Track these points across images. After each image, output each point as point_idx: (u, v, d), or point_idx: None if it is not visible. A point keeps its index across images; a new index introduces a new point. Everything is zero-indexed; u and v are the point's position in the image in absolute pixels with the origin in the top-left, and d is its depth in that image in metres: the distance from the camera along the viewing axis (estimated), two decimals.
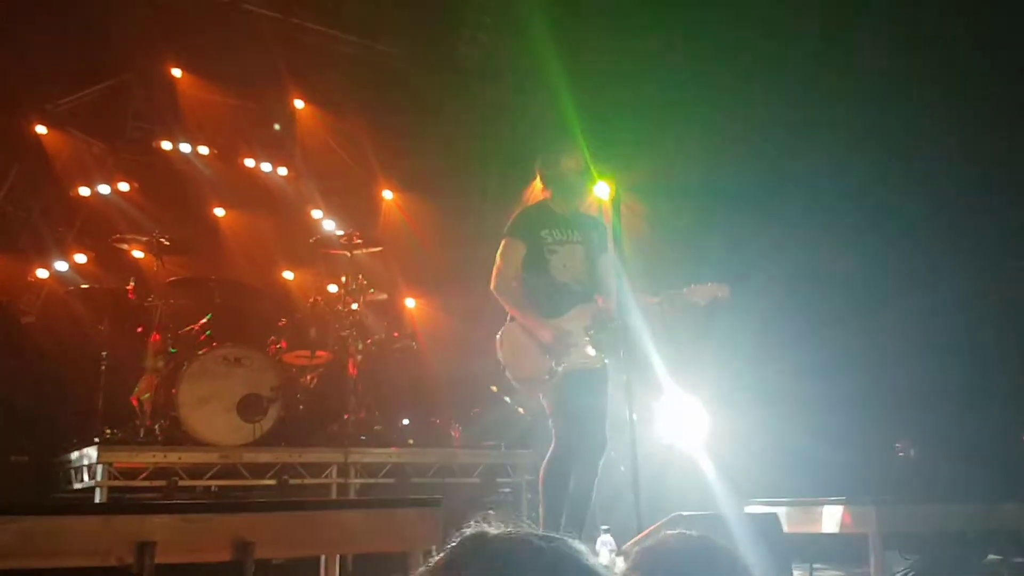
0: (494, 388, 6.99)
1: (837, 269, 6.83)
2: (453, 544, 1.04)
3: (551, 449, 4.25)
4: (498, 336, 4.36)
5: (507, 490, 6.48)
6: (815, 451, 5.82)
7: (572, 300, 4.32)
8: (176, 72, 8.45)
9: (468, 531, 1.07)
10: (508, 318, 4.38)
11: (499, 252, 4.41)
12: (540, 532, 1.04)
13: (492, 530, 1.06)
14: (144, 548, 3.27)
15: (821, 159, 6.87)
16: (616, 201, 5.22)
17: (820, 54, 6.84)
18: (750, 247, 6.91)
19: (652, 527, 3.59)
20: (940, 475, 5.90)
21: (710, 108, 7.04)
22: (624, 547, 4.00)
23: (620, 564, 4.05)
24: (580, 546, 1.05)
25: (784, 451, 5.88)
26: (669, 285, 4.54)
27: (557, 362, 4.19)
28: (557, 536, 1.04)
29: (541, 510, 4.22)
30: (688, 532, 1.79)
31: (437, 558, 1.03)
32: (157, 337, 5.97)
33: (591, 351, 4.25)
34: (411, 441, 6.62)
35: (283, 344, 6.43)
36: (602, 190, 5.36)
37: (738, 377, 6.37)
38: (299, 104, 9.00)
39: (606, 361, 4.33)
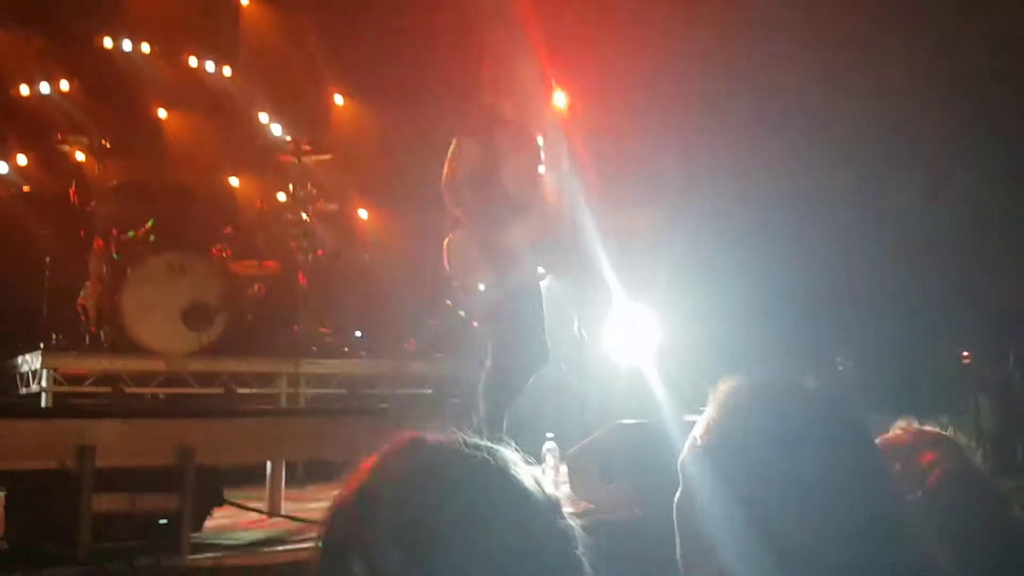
0: (448, 302, 6.98)
1: (789, 174, 6.83)
2: (385, 450, 1.02)
3: (488, 362, 4.25)
4: (445, 243, 4.29)
5: (458, 400, 6.54)
6: (759, 366, 5.92)
7: (519, 211, 4.28)
8: None
9: (401, 436, 1.04)
10: (454, 224, 4.30)
11: (452, 151, 4.29)
12: (473, 439, 1.03)
13: (426, 435, 1.04)
14: (84, 451, 3.28)
15: (791, 69, 6.79)
16: (571, 110, 5.14)
17: None
18: (708, 159, 6.88)
19: (593, 435, 3.67)
20: (875, 388, 6.07)
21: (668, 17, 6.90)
22: (568, 452, 4.09)
23: (564, 470, 4.15)
24: (511, 455, 1.04)
25: (730, 367, 5.98)
26: (622, 199, 4.53)
27: (502, 276, 4.17)
28: (490, 445, 1.03)
29: (480, 421, 4.25)
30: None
31: (368, 459, 1.02)
32: (100, 243, 5.84)
33: (534, 266, 4.24)
34: (363, 353, 6.61)
35: (228, 252, 6.31)
36: (558, 99, 5.27)
37: (688, 292, 6.43)
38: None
39: (548, 277, 4.33)
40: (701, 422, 1.25)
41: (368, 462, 1.01)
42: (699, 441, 1.23)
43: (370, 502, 0.96)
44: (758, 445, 1.18)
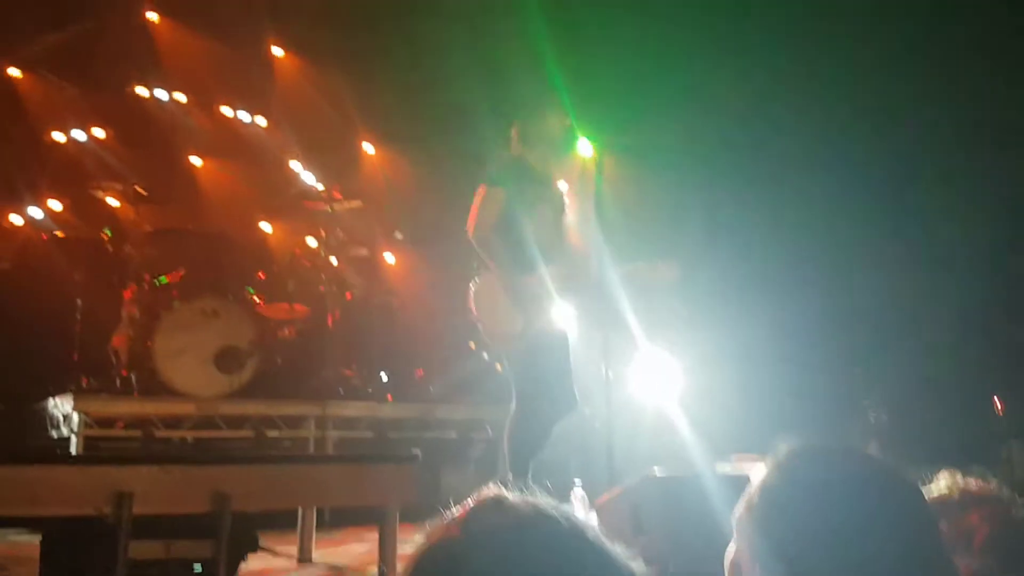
0: (472, 344, 7.02)
1: (818, 230, 6.87)
2: (471, 507, 1.04)
3: (513, 408, 4.27)
4: (472, 288, 4.33)
5: (484, 445, 6.54)
6: (791, 412, 5.90)
7: (544, 259, 4.32)
8: (152, 16, 8.27)
9: (485, 496, 1.06)
10: (477, 268, 4.35)
11: (478, 198, 4.35)
12: (554, 504, 1.05)
13: (508, 495, 1.05)
14: (122, 498, 3.30)
15: (806, 122, 6.87)
16: (599, 161, 5.21)
17: (810, 26, 6.78)
18: (731, 208, 6.92)
19: (622, 486, 3.66)
20: (909, 437, 6.02)
21: (695, 70, 6.99)
22: (595, 502, 4.08)
23: (593, 518, 4.14)
24: (581, 519, 1.06)
25: (760, 412, 5.96)
26: (647, 249, 4.57)
27: (529, 321, 4.21)
28: (561, 505, 1.05)
29: (505, 468, 4.26)
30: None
31: (453, 515, 1.03)
32: (133, 287, 5.93)
33: (560, 312, 4.28)
34: (389, 396, 6.65)
35: (260, 297, 6.40)
36: (584, 149, 5.33)
37: (716, 337, 6.43)
38: (278, 52, 8.84)
39: (574, 322, 4.36)
40: (757, 481, 1.27)
41: (452, 519, 1.01)
42: (755, 500, 1.25)
43: (457, 561, 0.96)
44: (811, 510, 1.20)
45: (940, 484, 1.62)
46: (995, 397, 6.24)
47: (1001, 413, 5.99)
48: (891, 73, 6.62)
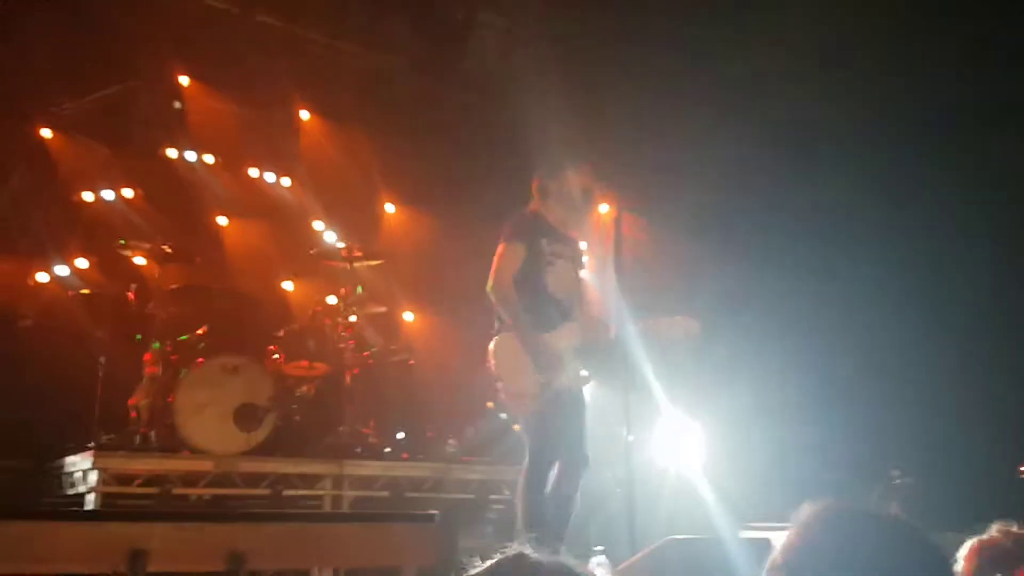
0: (490, 404, 6.98)
1: (839, 292, 6.84)
2: (495, 560, 1.05)
3: (526, 465, 4.24)
4: (491, 346, 4.33)
5: (501, 506, 6.46)
6: (814, 475, 5.81)
7: (563, 316, 4.33)
8: (183, 80, 8.48)
9: (509, 551, 1.08)
10: (497, 326, 4.35)
11: (497, 256, 4.38)
12: (576, 562, 1.06)
13: (531, 553, 1.07)
14: (137, 556, 3.28)
15: (824, 180, 6.90)
16: (618, 219, 5.24)
17: (827, 75, 6.87)
18: (751, 269, 6.93)
19: (646, 550, 3.60)
20: (935, 502, 5.90)
21: (712, 128, 7.07)
22: (618, 568, 4.00)
23: None
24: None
25: (782, 476, 5.87)
26: (664, 308, 4.56)
27: (548, 379, 4.19)
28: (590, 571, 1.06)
29: (519, 525, 4.21)
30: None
31: (477, 570, 1.04)
32: (155, 344, 5.98)
33: (578, 371, 4.27)
34: (405, 455, 6.60)
35: (281, 355, 6.42)
36: (603, 207, 5.37)
37: (736, 400, 6.37)
38: (304, 115, 9.04)
39: (591, 382, 4.35)
40: (782, 543, 1.26)
41: (478, 571, 1.04)
42: (780, 561, 1.25)
43: None
44: (835, 571, 1.18)
45: (992, 531, 1.59)
46: (1021, 467, 6.13)
47: None
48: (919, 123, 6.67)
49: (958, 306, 6.52)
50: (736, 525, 4.06)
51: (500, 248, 4.39)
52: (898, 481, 5.85)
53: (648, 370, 4.72)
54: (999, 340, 6.43)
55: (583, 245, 4.66)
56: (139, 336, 6.11)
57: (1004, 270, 6.47)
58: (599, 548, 4.16)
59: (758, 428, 6.14)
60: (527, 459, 4.28)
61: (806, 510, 1.30)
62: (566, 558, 1.05)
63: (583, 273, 4.66)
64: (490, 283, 4.33)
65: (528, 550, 1.05)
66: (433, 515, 3.93)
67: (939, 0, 6.42)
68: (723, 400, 6.29)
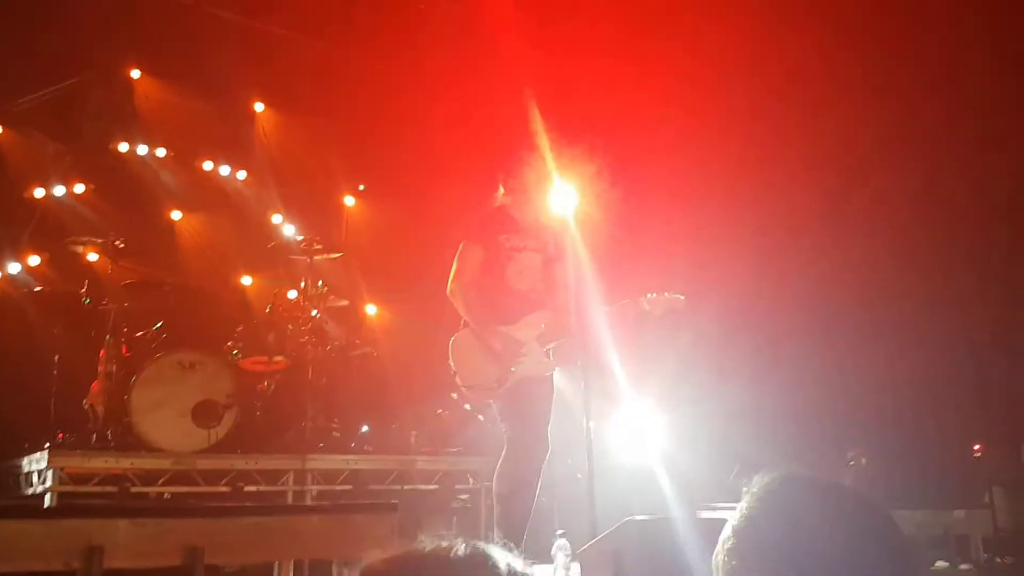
0: (454, 395, 6.97)
1: (797, 282, 6.93)
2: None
3: (504, 454, 4.28)
4: (451, 342, 4.38)
5: (465, 496, 6.47)
6: (771, 460, 5.88)
7: (526, 307, 4.36)
8: (135, 73, 8.35)
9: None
10: (462, 323, 4.40)
11: (457, 255, 4.43)
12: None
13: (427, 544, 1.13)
14: (92, 553, 3.24)
15: (791, 169, 6.96)
16: (578, 208, 5.25)
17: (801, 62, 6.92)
18: (713, 259, 6.97)
19: (605, 532, 3.63)
20: (891, 484, 6.01)
21: (677, 113, 7.10)
22: (579, 551, 4.03)
23: (576, 568, 4.09)
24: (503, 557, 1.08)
25: (740, 460, 5.94)
26: (628, 295, 4.58)
27: (506, 370, 4.23)
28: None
29: (496, 515, 4.24)
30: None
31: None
32: (110, 341, 5.88)
33: (543, 359, 4.29)
34: (368, 448, 6.57)
35: (239, 350, 6.35)
36: (565, 197, 5.36)
37: (697, 387, 6.43)
38: (259, 107, 8.93)
39: (555, 369, 4.38)
40: (735, 514, 1.27)
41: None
42: (730, 532, 1.26)
43: None
44: (787, 535, 1.21)
45: None
46: (976, 446, 6.27)
47: (980, 457, 6.01)
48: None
49: (913, 287, 6.63)
50: (694, 506, 4.12)
51: (460, 248, 4.44)
52: (852, 463, 5.96)
53: (610, 356, 4.74)
54: (953, 320, 6.55)
55: (546, 233, 4.65)
56: (93, 333, 6.01)
57: (957, 251, 6.60)
58: (560, 532, 4.18)
59: (717, 415, 6.21)
60: (505, 450, 4.32)
61: (756, 482, 1.32)
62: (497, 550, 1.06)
63: (546, 261, 4.65)
64: (449, 285, 4.39)
65: (426, 541, 1.07)
66: (394, 504, 3.93)
67: None
68: (685, 387, 6.35)
